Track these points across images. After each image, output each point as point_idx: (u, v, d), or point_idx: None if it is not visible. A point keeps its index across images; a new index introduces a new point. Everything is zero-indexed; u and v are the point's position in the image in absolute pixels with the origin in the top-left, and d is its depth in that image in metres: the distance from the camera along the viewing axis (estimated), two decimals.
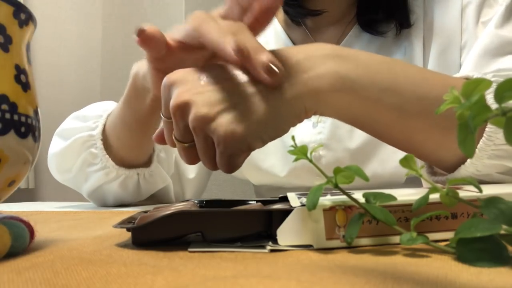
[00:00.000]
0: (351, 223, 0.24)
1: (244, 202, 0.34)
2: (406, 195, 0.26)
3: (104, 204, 0.65)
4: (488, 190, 0.24)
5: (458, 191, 0.23)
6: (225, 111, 0.32)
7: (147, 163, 0.63)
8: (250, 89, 0.33)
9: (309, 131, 0.66)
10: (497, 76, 0.41)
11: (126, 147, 0.59)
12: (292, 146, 0.26)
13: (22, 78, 0.26)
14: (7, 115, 0.24)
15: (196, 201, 0.35)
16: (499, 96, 0.16)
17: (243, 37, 0.32)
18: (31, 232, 0.26)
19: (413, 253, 0.22)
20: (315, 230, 0.24)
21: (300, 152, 0.26)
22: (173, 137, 0.35)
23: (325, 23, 0.68)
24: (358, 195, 0.25)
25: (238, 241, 0.26)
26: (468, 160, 0.39)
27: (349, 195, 0.24)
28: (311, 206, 0.24)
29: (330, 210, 0.25)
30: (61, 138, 0.62)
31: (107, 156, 0.59)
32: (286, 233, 0.25)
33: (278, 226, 0.25)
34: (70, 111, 0.67)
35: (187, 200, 0.37)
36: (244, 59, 0.31)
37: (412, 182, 0.64)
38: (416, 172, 0.23)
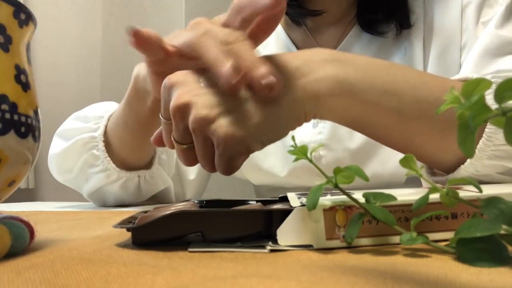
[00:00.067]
0: (351, 223, 0.24)
1: (244, 202, 0.34)
2: (406, 195, 0.26)
3: (104, 205, 0.65)
4: (488, 190, 0.24)
5: (458, 191, 0.23)
6: (225, 113, 0.32)
7: (148, 165, 0.63)
8: (251, 92, 0.33)
9: (309, 131, 0.66)
10: (497, 77, 0.41)
11: (128, 148, 0.59)
12: (292, 146, 0.26)
13: (22, 78, 0.26)
14: (7, 115, 0.24)
15: (196, 201, 0.35)
16: (499, 96, 0.16)
17: (241, 49, 0.32)
18: (31, 232, 0.26)
19: (413, 253, 0.22)
20: (315, 230, 0.24)
21: (300, 152, 0.26)
22: (172, 139, 0.35)
23: (325, 23, 0.68)
24: (358, 195, 0.25)
25: (238, 241, 0.26)
26: (468, 161, 0.39)
27: (349, 195, 0.24)
28: (311, 206, 0.24)
29: (330, 210, 0.25)
30: (62, 138, 0.62)
31: (108, 158, 0.59)
32: (286, 233, 0.25)
33: (278, 226, 0.25)
34: (70, 111, 0.67)
35: (187, 200, 0.37)
36: (239, 82, 0.31)
37: (412, 182, 0.64)
38: (416, 172, 0.23)
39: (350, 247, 0.24)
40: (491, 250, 0.20)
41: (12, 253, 0.24)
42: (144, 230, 0.26)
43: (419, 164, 0.34)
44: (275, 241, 0.25)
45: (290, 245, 0.25)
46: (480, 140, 0.38)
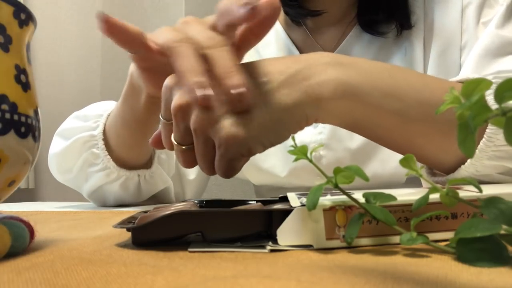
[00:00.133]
0: (351, 223, 0.24)
1: (244, 202, 0.34)
2: (406, 195, 0.26)
3: (104, 204, 0.65)
4: (488, 190, 0.24)
5: (458, 191, 0.23)
6: (227, 114, 0.32)
7: (148, 164, 0.63)
8: (253, 94, 0.33)
9: (309, 131, 0.66)
10: (498, 78, 0.41)
11: (126, 147, 0.59)
12: (292, 146, 0.26)
13: (22, 78, 0.26)
14: (7, 115, 0.24)
15: (196, 201, 0.35)
16: (499, 96, 0.16)
17: (218, 55, 0.32)
18: (31, 232, 0.26)
19: (413, 253, 0.22)
20: (315, 230, 0.24)
21: (300, 152, 0.26)
22: (172, 139, 0.35)
23: (325, 24, 0.68)
24: (358, 195, 0.25)
25: (238, 241, 0.26)
26: (468, 161, 0.39)
27: (349, 195, 0.24)
28: (311, 206, 0.24)
29: (330, 210, 0.25)
30: (62, 138, 0.62)
31: (108, 156, 0.59)
32: (286, 233, 0.25)
33: (278, 226, 0.25)
34: (70, 111, 0.67)
35: (187, 200, 0.37)
36: (202, 99, 0.30)
37: (412, 182, 0.64)
38: (416, 172, 0.23)
39: (350, 247, 0.24)
40: (491, 250, 0.20)
41: (12, 253, 0.24)
42: (144, 230, 0.26)
43: (419, 164, 0.34)
44: (275, 241, 0.25)
45: (290, 245, 0.25)
46: (481, 141, 0.38)
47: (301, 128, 0.35)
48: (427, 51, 0.63)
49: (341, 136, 0.65)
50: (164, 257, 0.23)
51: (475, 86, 0.19)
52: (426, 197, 0.23)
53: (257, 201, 0.33)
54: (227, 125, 0.31)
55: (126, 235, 0.31)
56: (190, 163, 0.35)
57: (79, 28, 2.31)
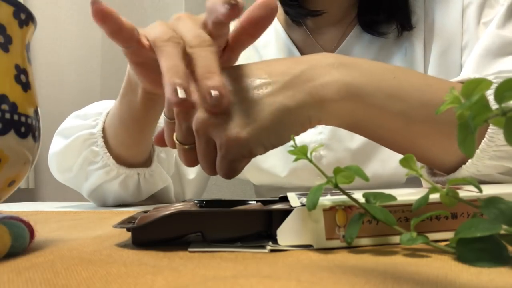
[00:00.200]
0: (351, 223, 0.24)
1: (244, 202, 0.34)
2: (406, 195, 0.26)
3: (104, 204, 0.65)
4: (488, 190, 0.24)
5: (458, 191, 0.23)
6: (229, 115, 0.32)
7: (147, 162, 0.63)
8: (255, 95, 0.33)
9: (309, 131, 0.66)
10: (499, 78, 0.41)
11: (124, 145, 0.59)
12: (292, 146, 0.26)
13: (22, 78, 0.26)
14: (7, 115, 0.24)
15: (196, 201, 0.35)
16: (499, 96, 0.16)
17: (200, 55, 0.32)
18: (31, 232, 0.26)
19: (413, 253, 0.22)
20: (315, 230, 0.24)
21: (300, 152, 0.26)
22: (174, 139, 0.35)
23: (325, 24, 0.68)
24: (358, 195, 0.25)
25: (238, 241, 0.26)
26: (469, 161, 0.39)
27: (349, 195, 0.24)
28: (311, 206, 0.24)
29: (330, 210, 0.25)
30: (62, 137, 0.62)
31: (108, 154, 0.59)
32: (286, 233, 0.25)
33: (278, 226, 0.25)
34: (70, 111, 0.67)
35: (187, 200, 0.37)
36: (177, 104, 0.30)
37: (412, 182, 0.64)
38: (416, 172, 0.23)
39: (350, 247, 0.24)
40: (491, 250, 0.20)
41: (12, 253, 0.24)
42: (144, 230, 0.26)
43: (419, 164, 0.34)
44: (275, 241, 0.25)
45: (290, 245, 0.25)
46: (482, 141, 0.38)
47: (304, 130, 0.35)
48: (427, 51, 0.63)
49: (341, 136, 0.65)
50: (164, 257, 0.23)
51: (475, 86, 0.19)
52: (426, 197, 0.23)
53: (257, 201, 0.33)
54: (229, 126, 0.31)
55: (126, 235, 0.31)
56: (192, 162, 0.35)
57: (79, 28, 2.31)
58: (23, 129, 0.25)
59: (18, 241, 0.24)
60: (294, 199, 0.27)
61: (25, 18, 0.27)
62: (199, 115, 0.32)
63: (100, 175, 0.60)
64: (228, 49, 0.38)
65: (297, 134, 0.34)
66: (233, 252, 0.24)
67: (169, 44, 0.32)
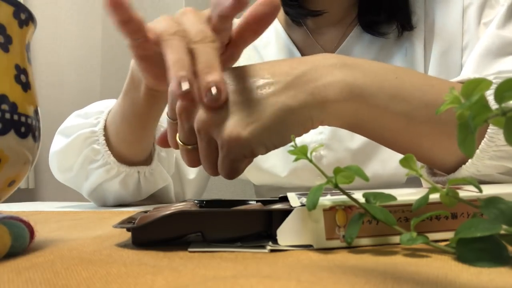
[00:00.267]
0: (351, 223, 0.24)
1: (244, 202, 0.34)
2: (406, 195, 0.26)
3: (104, 204, 0.65)
4: (488, 190, 0.24)
5: (458, 191, 0.23)
6: (230, 114, 0.32)
7: (148, 161, 0.63)
8: (257, 95, 0.33)
9: (310, 131, 0.66)
10: (499, 78, 0.41)
11: (126, 142, 0.59)
12: (292, 146, 0.26)
13: (22, 78, 0.26)
14: (7, 115, 0.24)
15: (196, 201, 0.35)
16: (499, 96, 0.16)
17: (202, 51, 0.32)
18: (31, 232, 0.26)
19: (413, 253, 0.22)
20: (315, 230, 0.24)
21: (300, 152, 0.26)
22: (177, 139, 0.35)
23: (326, 24, 0.68)
24: (358, 195, 0.25)
25: (238, 241, 0.26)
26: (470, 161, 0.39)
27: (349, 195, 0.24)
28: (311, 206, 0.24)
29: (330, 210, 0.25)
30: (63, 135, 0.62)
31: (109, 152, 0.59)
32: (286, 233, 0.25)
33: (278, 226, 0.25)
34: (70, 111, 0.67)
35: (187, 200, 0.37)
36: (182, 95, 0.31)
37: (412, 182, 0.64)
38: (416, 172, 0.23)
39: (350, 247, 0.24)
40: (491, 250, 0.20)
41: (12, 253, 0.24)
42: (144, 230, 0.26)
43: (419, 164, 0.34)
44: (275, 241, 0.25)
45: (290, 245, 0.25)
46: (482, 141, 0.38)
47: (306, 131, 0.35)
48: (428, 51, 0.63)
49: (341, 136, 0.65)
50: (164, 257, 0.23)
51: (475, 86, 0.19)
52: (426, 197, 0.23)
53: (257, 201, 0.33)
54: (230, 126, 0.31)
55: (126, 235, 0.31)
56: (194, 163, 0.35)
57: (79, 28, 2.31)
58: (23, 129, 0.25)
59: (18, 241, 0.24)
60: (294, 199, 0.27)
61: (25, 18, 0.27)
62: (201, 114, 0.32)
63: (100, 174, 0.60)
64: (231, 45, 0.38)
65: (299, 135, 0.34)
66: (233, 252, 0.24)
67: (175, 38, 0.33)
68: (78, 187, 0.65)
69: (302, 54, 0.70)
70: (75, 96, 2.29)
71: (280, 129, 0.33)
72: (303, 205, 0.25)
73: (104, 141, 0.59)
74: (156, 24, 0.36)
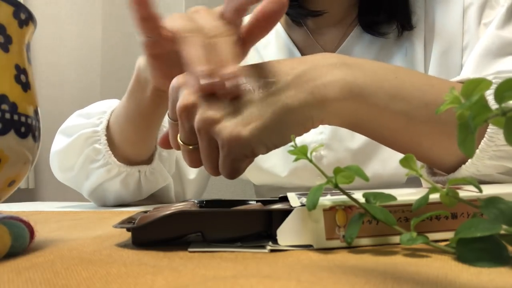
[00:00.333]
0: (351, 223, 0.24)
1: (244, 202, 0.34)
2: (406, 195, 0.26)
3: (104, 204, 0.65)
4: (488, 190, 0.24)
5: (458, 191, 0.23)
6: (231, 114, 0.32)
7: (149, 160, 0.63)
8: (258, 94, 0.33)
9: (310, 130, 0.66)
10: (498, 78, 0.41)
11: (130, 142, 0.59)
12: (293, 146, 0.26)
13: (22, 78, 0.26)
14: (7, 115, 0.24)
15: (196, 201, 0.35)
16: (499, 96, 0.16)
17: (219, 44, 0.33)
18: (31, 232, 0.26)
19: (413, 253, 0.22)
20: (315, 230, 0.24)
21: (300, 152, 0.25)
22: (178, 140, 0.35)
23: (326, 24, 0.68)
24: (358, 195, 0.25)
25: (238, 241, 0.26)
26: (469, 161, 0.39)
27: (349, 195, 0.24)
28: (311, 206, 0.24)
29: (330, 210, 0.25)
30: (64, 135, 0.62)
31: (110, 152, 0.59)
32: (286, 233, 0.25)
33: (278, 226, 0.25)
34: (70, 111, 0.67)
35: (187, 200, 0.37)
36: (209, 86, 0.32)
37: (412, 182, 0.64)
38: (416, 172, 0.23)
39: (350, 247, 0.24)
40: (491, 250, 0.20)
41: (12, 253, 0.24)
42: (144, 230, 0.26)
43: (419, 164, 0.34)
44: (275, 241, 0.25)
45: (290, 245, 0.25)
46: (482, 140, 0.38)
47: (306, 130, 0.35)
48: (428, 51, 0.63)
49: (342, 136, 0.65)
50: (164, 257, 0.23)
51: (475, 86, 0.19)
52: (426, 197, 0.23)
53: (257, 201, 0.33)
54: (230, 126, 0.31)
55: (126, 235, 0.31)
56: (196, 163, 0.35)
57: (79, 28, 2.31)
58: (23, 129, 0.25)
59: (18, 241, 0.24)
60: (294, 199, 0.27)
61: (25, 18, 0.27)
62: (201, 114, 0.32)
63: (101, 174, 0.60)
64: (240, 43, 0.38)
65: (300, 134, 0.34)
66: (233, 252, 0.24)
67: (193, 34, 0.34)
68: (78, 187, 0.65)
69: (302, 54, 0.70)
70: (75, 96, 2.29)
71: (281, 129, 0.33)
72: (303, 205, 0.25)
73: (106, 141, 0.59)
74: (172, 22, 0.37)
